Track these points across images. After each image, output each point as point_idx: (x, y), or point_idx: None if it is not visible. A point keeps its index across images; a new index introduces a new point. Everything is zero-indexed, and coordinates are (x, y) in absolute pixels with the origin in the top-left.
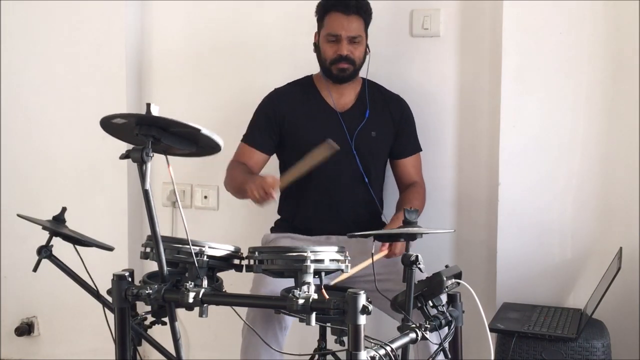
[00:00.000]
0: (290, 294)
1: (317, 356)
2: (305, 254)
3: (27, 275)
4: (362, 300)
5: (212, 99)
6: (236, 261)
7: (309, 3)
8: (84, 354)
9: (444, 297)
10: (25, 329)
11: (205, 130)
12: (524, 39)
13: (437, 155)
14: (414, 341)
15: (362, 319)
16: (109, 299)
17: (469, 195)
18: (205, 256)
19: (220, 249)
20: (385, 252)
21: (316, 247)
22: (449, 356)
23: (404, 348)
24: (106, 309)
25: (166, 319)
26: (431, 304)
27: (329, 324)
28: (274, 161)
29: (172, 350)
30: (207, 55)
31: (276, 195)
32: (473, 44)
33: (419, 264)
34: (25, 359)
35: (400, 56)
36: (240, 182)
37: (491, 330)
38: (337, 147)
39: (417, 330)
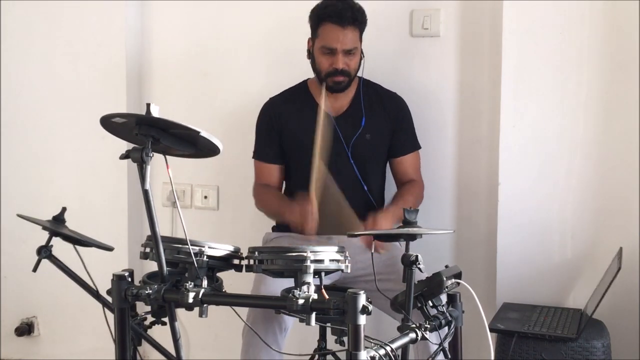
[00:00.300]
0: (290, 294)
1: (317, 356)
2: (305, 254)
3: (27, 275)
4: (362, 300)
5: (211, 99)
6: (236, 261)
7: (309, 4)
8: (84, 354)
9: (443, 297)
10: (25, 329)
11: (204, 133)
12: (524, 39)
13: (437, 155)
14: (413, 341)
15: (362, 319)
16: (109, 299)
17: (468, 195)
18: (205, 256)
19: (220, 249)
20: (372, 253)
21: (316, 247)
22: (449, 356)
23: (404, 348)
24: (106, 309)
25: (166, 319)
26: (431, 304)
27: (329, 324)
28: None
29: (172, 350)
30: (207, 55)
31: (317, 220)
32: (473, 44)
33: (419, 264)
34: (25, 359)
35: (400, 56)
36: (277, 210)
37: (491, 330)
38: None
39: (417, 330)
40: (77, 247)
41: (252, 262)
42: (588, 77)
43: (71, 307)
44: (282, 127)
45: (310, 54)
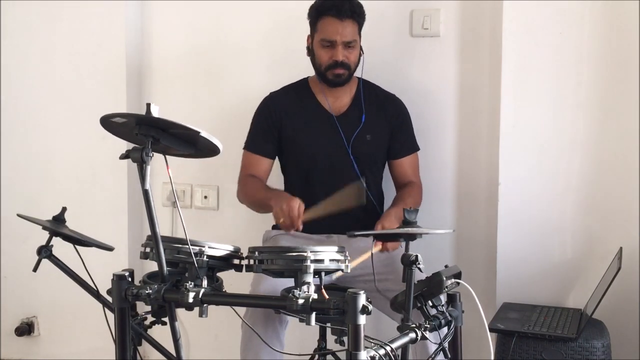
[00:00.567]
0: (290, 294)
1: (317, 356)
2: (305, 254)
3: (27, 275)
4: (362, 300)
5: (211, 99)
6: (236, 261)
7: (309, 4)
8: (84, 354)
9: (443, 297)
10: (25, 329)
11: (204, 133)
12: (524, 39)
13: (437, 155)
14: (413, 341)
15: (362, 319)
16: (109, 299)
17: (468, 195)
18: (205, 256)
19: (220, 249)
20: (379, 247)
21: (316, 247)
22: (449, 356)
23: (404, 348)
24: (106, 309)
25: (166, 319)
26: (431, 304)
27: (329, 324)
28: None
29: (172, 350)
30: (207, 55)
31: (301, 226)
32: (473, 44)
33: (419, 263)
34: (25, 359)
35: (400, 56)
36: (262, 198)
37: (491, 330)
38: (364, 187)
39: (417, 330)
40: (77, 247)
41: (252, 262)
42: (588, 77)
43: (71, 307)
44: (281, 122)
45: (310, 50)
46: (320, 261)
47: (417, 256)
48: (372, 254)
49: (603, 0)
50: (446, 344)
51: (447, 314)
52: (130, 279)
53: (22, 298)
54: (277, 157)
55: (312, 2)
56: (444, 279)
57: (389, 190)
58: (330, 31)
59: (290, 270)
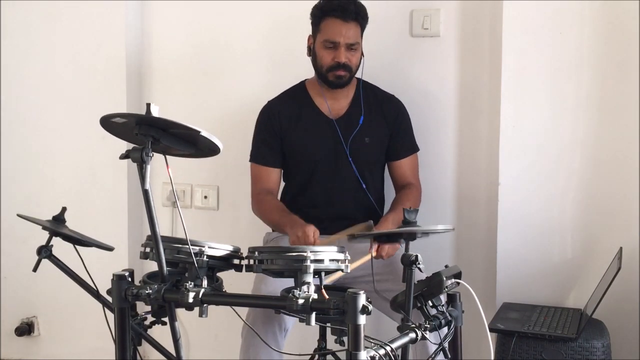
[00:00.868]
0: (290, 294)
1: (317, 356)
2: (305, 254)
3: (27, 275)
4: (362, 300)
5: (211, 99)
6: (236, 261)
7: (309, 4)
8: (84, 354)
9: (443, 297)
10: (25, 329)
11: (205, 133)
12: (524, 39)
13: (437, 155)
14: (413, 341)
15: (362, 319)
16: (109, 299)
17: (468, 195)
18: (205, 256)
19: (220, 249)
20: (371, 255)
21: (316, 247)
22: (449, 356)
23: (404, 348)
24: (106, 309)
25: (166, 319)
26: (431, 304)
27: (329, 324)
28: None
29: (172, 350)
30: (207, 55)
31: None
32: (473, 44)
33: (419, 264)
34: (25, 359)
35: (400, 56)
36: (278, 222)
37: (491, 330)
38: (372, 225)
39: (417, 330)
40: (77, 247)
41: (252, 262)
42: (588, 77)
43: (71, 307)
44: (281, 129)
45: (311, 51)
46: (320, 261)
47: (417, 256)
48: (372, 256)
49: (602, 0)
50: (446, 344)
51: (447, 314)
52: (130, 279)
53: (22, 298)
54: None
55: (312, 2)
56: (444, 279)
57: (388, 190)
58: (334, 32)
59: (290, 270)
